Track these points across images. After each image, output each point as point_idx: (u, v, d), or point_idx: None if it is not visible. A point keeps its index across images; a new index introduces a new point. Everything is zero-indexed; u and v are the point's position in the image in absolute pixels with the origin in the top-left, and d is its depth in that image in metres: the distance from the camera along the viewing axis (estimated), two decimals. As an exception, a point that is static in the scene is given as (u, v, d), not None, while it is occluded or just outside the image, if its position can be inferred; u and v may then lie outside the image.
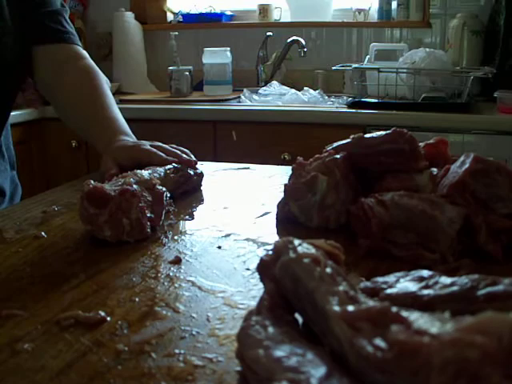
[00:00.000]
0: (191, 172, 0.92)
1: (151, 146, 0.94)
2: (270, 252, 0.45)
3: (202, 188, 0.95)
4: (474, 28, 2.25)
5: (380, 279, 0.47)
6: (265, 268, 0.45)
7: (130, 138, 0.99)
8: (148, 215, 0.72)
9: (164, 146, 0.95)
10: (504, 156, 1.76)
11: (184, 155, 0.94)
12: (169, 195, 0.81)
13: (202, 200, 0.90)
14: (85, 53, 1.13)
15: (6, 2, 1.02)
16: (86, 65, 1.11)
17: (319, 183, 0.72)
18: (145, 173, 0.80)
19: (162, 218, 0.76)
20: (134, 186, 0.73)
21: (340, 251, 0.45)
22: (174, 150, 0.95)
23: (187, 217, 0.81)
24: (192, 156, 0.97)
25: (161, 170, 0.85)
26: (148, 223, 0.72)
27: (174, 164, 0.89)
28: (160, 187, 0.78)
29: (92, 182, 0.72)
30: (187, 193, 0.91)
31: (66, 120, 1.13)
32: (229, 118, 2.17)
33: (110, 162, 0.91)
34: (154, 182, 0.77)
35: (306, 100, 2.26)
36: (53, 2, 1.10)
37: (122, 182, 0.73)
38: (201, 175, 0.95)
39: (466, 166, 0.65)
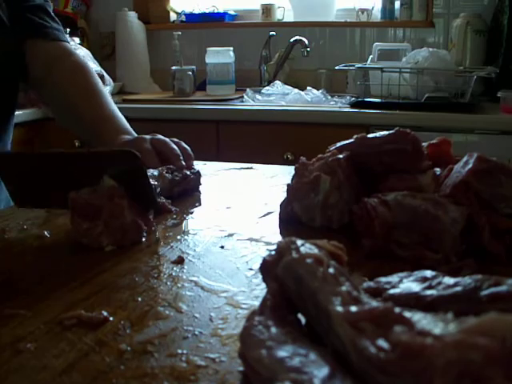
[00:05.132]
0: (187, 172, 0.91)
1: (152, 139, 0.94)
2: (273, 252, 0.45)
3: (204, 188, 0.95)
4: (477, 28, 2.25)
5: (383, 279, 0.47)
6: (267, 268, 0.45)
7: (131, 136, 0.99)
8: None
9: (164, 140, 0.95)
10: (507, 156, 1.76)
11: (180, 157, 0.93)
12: (158, 191, 0.80)
13: (205, 200, 0.90)
14: (73, 49, 1.12)
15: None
16: (77, 61, 1.10)
17: (322, 183, 0.72)
18: None
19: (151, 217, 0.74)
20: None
21: (343, 251, 0.45)
22: (172, 146, 0.94)
23: (190, 216, 0.81)
24: (191, 153, 0.96)
25: (155, 169, 0.85)
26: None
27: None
28: None
29: (76, 194, 0.68)
30: (186, 192, 0.91)
31: (61, 119, 1.12)
32: (232, 118, 2.17)
33: None
34: None
35: (309, 100, 2.26)
36: None
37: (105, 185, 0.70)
38: (197, 174, 0.94)
39: (470, 165, 0.65)
